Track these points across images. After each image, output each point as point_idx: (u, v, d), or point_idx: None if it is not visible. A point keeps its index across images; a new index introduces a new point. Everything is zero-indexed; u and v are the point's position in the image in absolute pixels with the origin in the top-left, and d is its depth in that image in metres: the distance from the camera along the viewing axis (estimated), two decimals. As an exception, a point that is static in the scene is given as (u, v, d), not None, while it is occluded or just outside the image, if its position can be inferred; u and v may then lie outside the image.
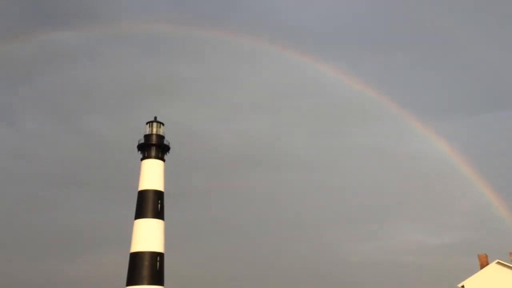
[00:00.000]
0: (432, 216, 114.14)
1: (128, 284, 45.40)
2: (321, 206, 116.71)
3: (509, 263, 41.26)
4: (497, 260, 41.63)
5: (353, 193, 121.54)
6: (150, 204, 48.12)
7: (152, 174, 49.51)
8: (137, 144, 51.02)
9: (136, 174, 50.58)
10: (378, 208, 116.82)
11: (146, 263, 45.69)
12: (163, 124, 52.30)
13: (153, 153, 50.32)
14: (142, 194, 48.67)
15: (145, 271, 45.38)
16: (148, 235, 46.96)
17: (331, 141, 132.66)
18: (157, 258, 46.47)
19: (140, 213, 47.92)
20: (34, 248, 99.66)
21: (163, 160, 51.06)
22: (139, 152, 51.07)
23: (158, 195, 49.00)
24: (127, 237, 48.63)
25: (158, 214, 48.28)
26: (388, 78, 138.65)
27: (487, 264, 42.20)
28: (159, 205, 48.60)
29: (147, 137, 50.94)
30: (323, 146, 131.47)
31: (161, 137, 51.30)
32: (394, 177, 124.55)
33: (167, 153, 51.81)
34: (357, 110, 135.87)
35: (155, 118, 52.15)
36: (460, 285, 41.83)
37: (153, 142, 50.56)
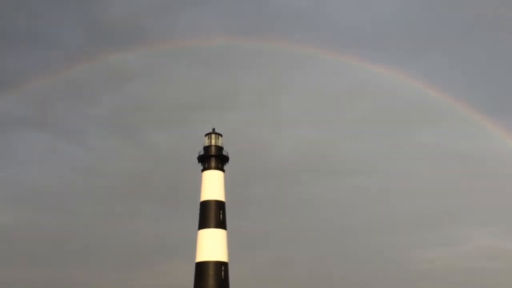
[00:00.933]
0: (505, 219, 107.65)
1: (194, 294, 46.44)
2: (385, 212, 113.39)
3: None
4: None
5: (418, 197, 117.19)
6: (212, 214, 49.07)
7: (213, 185, 50.49)
8: (197, 156, 52.33)
9: (197, 185, 51.87)
10: (445, 212, 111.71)
11: (211, 272, 46.53)
12: (221, 135, 53.22)
13: (213, 164, 51.29)
14: (204, 205, 49.73)
15: (211, 281, 46.22)
16: (212, 245, 47.84)
17: (392, 144, 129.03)
18: (221, 267, 47.19)
19: (203, 223, 48.96)
20: (105, 259, 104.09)
21: (223, 170, 51.92)
22: (200, 163, 52.27)
23: (220, 205, 49.86)
24: (192, 247, 49.88)
25: (221, 224, 49.10)
26: (451, 76, 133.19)
27: None
28: (221, 215, 49.46)
29: (207, 148, 52.02)
30: (384, 150, 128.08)
31: (220, 148, 52.21)
32: (461, 179, 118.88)
33: (227, 163, 52.67)
34: (418, 111, 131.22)
35: (213, 129, 53.19)
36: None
37: (213, 153, 51.54)
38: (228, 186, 52.26)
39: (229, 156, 52.54)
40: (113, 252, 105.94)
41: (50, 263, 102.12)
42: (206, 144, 52.40)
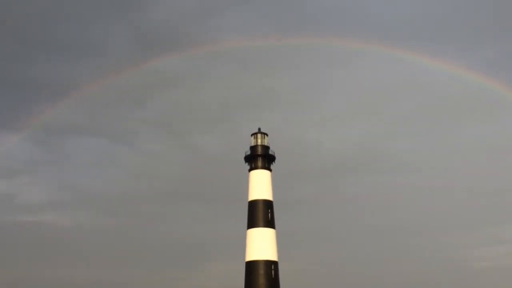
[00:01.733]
0: None
1: (246, 292, 46.86)
2: (438, 210, 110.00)
3: None
4: None
5: (472, 194, 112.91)
6: (261, 214, 49.31)
7: (260, 184, 50.73)
8: (244, 156, 52.75)
9: (245, 185, 52.29)
10: (503, 209, 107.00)
11: (261, 271, 46.80)
12: (267, 135, 53.41)
13: (259, 163, 51.56)
14: (253, 204, 50.04)
15: (261, 280, 46.48)
16: (261, 244, 48.09)
17: (442, 139, 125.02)
18: (271, 266, 47.36)
19: (252, 223, 49.29)
20: (158, 259, 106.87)
21: (270, 170, 52.08)
22: (246, 163, 52.66)
23: (268, 204, 50.03)
24: (241, 247, 50.37)
25: (269, 223, 49.27)
26: (509, 68, 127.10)
27: None
28: (269, 214, 49.63)
29: (253, 148, 52.35)
30: (434, 146, 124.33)
31: (266, 148, 52.40)
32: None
33: (273, 163, 52.80)
34: (468, 105, 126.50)
35: (259, 129, 53.46)
36: None
37: (259, 153, 51.80)
38: (275, 185, 52.57)
39: (276, 155, 52.86)
40: (166, 252, 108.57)
41: (107, 263, 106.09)
42: (253, 144, 52.74)
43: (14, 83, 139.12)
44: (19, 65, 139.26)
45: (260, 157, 51.72)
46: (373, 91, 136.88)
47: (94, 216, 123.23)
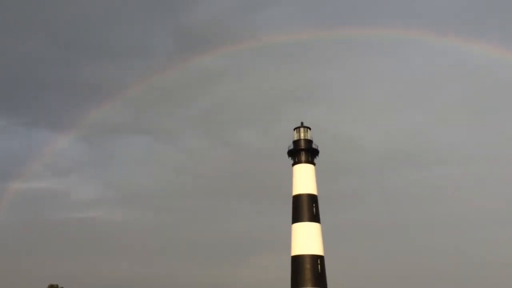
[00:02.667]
0: None
1: (293, 287, 46.74)
2: (488, 203, 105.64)
3: None
4: None
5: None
6: (305, 208, 49.01)
7: (304, 179, 50.41)
8: (286, 150, 52.51)
9: (288, 179, 52.13)
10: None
11: (307, 266, 46.56)
12: (310, 129, 52.97)
13: (303, 157, 51.22)
14: (297, 199, 49.81)
15: (308, 274, 46.24)
16: (306, 239, 47.82)
17: (494, 129, 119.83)
18: (317, 261, 47.03)
19: (296, 217, 49.06)
20: (203, 255, 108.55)
21: (314, 164, 51.66)
22: (290, 158, 52.42)
23: (312, 198, 49.66)
24: (286, 241, 50.27)
25: (314, 217, 48.90)
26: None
27: None
28: (314, 209, 49.26)
29: (296, 142, 52.06)
30: (485, 136, 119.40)
31: (309, 142, 52.00)
32: None
33: (317, 157, 52.33)
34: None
35: (302, 123, 53.07)
36: None
37: (302, 147, 51.46)
38: (319, 179, 52.08)
39: (319, 149, 52.33)
40: (211, 247, 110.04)
41: (154, 258, 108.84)
42: (295, 138, 52.43)
43: (65, 85, 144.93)
44: (68, 69, 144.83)
45: (303, 151, 51.37)
46: (418, 80, 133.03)
47: (141, 212, 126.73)
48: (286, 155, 52.52)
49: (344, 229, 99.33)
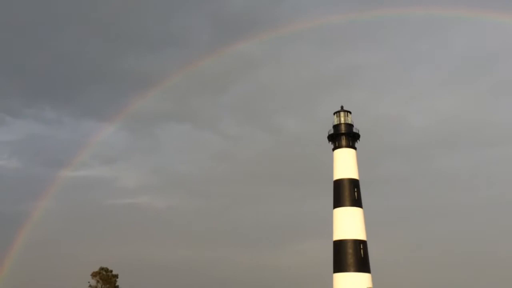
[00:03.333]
0: None
1: (335, 271, 46.64)
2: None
3: None
4: None
5: None
6: (346, 193, 48.54)
7: (345, 163, 49.84)
8: (327, 135, 51.99)
9: (329, 164, 51.68)
10: None
11: (350, 250, 46.27)
12: (350, 113, 52.18)
13: (343, 142, 50.63)
14: (338, 184, 49.37)
15: (350, 259, 45.99)
16: (348, 223, 47.46)
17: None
18: (360, 245, 46.64)
19: (338, 202, 48.70)
20: (245, 239, 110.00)
21: (355, 148, 50.97)
22: (330, 142, 51.92)
23: (354, 183, 49.11)
24: (327, 226, 50.05)
25: (356, 202, 48.40)
26: None
27: None
28: (355, 193, 48.71)
29: (336, 127, 51.47)
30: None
31: (350, 126, 51.28)
32: None
33: (358, 141, 51.57)
34: None
35: (342, 107, 52.34)
36: None
37: (343, 131, 50.83)
38: (361, 164, 51.30)
39: (360, 133, 51.51)
40: (252, 232, 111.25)
41: (198, 243, 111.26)
42: (336, 122, 51.79)
43: (108, 77, 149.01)
44: (111, 60, 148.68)
45: (344, 136, 50.74)
46: (465, 60, 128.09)
47: (184, 198, 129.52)
48: (327, 140, 52.08)
49: (388, 214, 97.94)
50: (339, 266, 46.40)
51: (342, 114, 51.82)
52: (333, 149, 51.22)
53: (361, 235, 47.26)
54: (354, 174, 49.55)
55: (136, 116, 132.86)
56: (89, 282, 55.04)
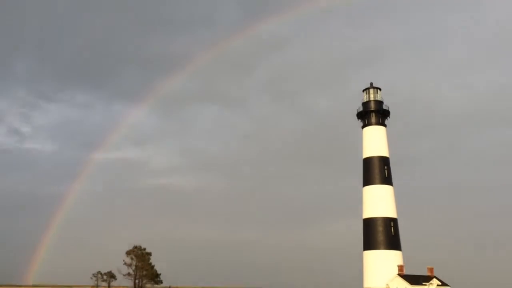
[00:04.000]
0: None
1: (365, 249, 46.54)
2: None
3: None
4: None
5: None
6: (376, 171, 47.99)
7: (375, 141, 49.17)
8: (355, 113, 51.25)
9: (358, 142, 51.06)
10: None
11: (380, 228, 45.97)
12: (380, 89, 51.22)
13: (373, 119, 49.84)
14: (368, 162, 48.82)
15: (381, 236, 45.70)
16: (378, 201, 47.05)
17: None
18: (390, 223, 46.26)
19: (368, 180, 48.25)
20: (274, 219, 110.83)
21: (384, 125, 50.15)
22: (359, 120, 51.17)
23: (384, 161, 48.49)
24: (357, 204, 49.75)
25: (386, 180, 47.85)
26: None
27: None
28: (385, 171, 48.13)
29: (365, 104, 50.64)
30: None
31: (379, 103, 50.38)
32: None
33: (388, 118, 50.67)
34: None
35: (371, 84, 51.38)
36: None
37: (372, 109, 50.02)
38: (392, 142, 50.47)
39: (390, 110, 50.55)
40: (282, 212, 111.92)
41: (227, 223, 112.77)
42: (365, 99, 50.93)
43: (138, 60, 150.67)
44: (140, 43, 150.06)
45: (373, 113, 49.92)
46: (499, 37, 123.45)
47: (213, 179, 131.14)
48: (356, 118, 51.38)
49: (419, 192, 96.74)
50: (370, 244, 46.22)
51: (371, 91, 50.89)
52: (363, 127, 50.48)
53: (391, 213, 46.81)
54: (384, 152, 48.86)
55: (165, 98, 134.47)
56: (123, 260, 56.76)
